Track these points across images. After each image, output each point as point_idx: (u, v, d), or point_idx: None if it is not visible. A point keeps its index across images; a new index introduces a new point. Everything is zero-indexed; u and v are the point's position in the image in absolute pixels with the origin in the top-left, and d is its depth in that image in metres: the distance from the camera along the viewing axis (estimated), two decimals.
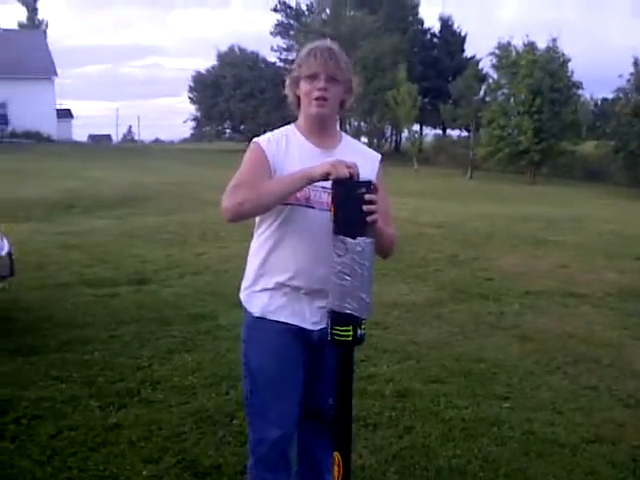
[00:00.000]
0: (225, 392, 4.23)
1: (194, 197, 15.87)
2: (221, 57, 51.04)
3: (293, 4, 53.09)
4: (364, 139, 44.25)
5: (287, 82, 2.44)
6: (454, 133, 50.98)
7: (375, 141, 47.14)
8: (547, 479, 3.37)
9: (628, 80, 35.83)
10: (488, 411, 4.12)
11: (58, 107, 44.50)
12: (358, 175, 2.12)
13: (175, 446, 3.52)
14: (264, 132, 2.54)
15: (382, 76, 42.37)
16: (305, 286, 2.36)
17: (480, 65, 44.53)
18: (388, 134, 52.55)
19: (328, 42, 2.43)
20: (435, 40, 53.41)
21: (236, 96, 48.01)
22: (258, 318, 2.42)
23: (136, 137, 69.03)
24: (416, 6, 52.94)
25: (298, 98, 2.42)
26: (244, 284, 2.51)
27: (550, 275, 8.52)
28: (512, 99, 36.55)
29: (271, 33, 53.27)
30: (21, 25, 58.88)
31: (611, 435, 3.85)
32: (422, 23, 53.53)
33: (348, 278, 2.07)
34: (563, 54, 35.61)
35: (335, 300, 2.11)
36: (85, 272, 7.78)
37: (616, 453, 3.65)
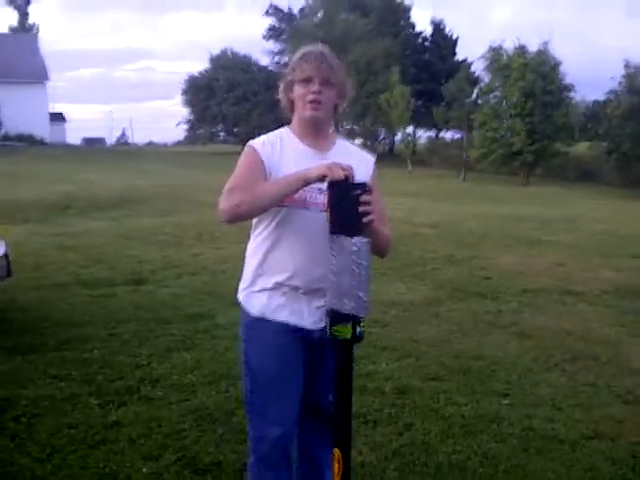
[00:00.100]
0: (225, 390, 4.22)
1: (189, 199, 15.85)
2: (214, 60, 51.00)
3: (285, 8, 53.28)
4: (357, 141, 44.28)
5: (280, 86, 2.45)
6: (447, 135, 51.07)
7: (369, 143, 47.16)
8: (546, 475, 3.37)
9: (620, 82, 36.00)
10: (487, 408, 4.13)
11: (51, 110, 44.44)
12: (353, 177, 2.13)
13: (175, 443, 3.52)
14: (258, 135, 2.54)
15: (375, 79, 42.43)
16: (303, 286, 2.36)
17: (472, 68, 44.68)
18: (382, 136, 52.56)
19: (321, 46, 2.45)
20: (427, 44, 53.49)
21: (229, 99, 47.97)
22: (257, 318, 2.42)
23: (129, 140, 68.84)
24: (408, 10, 53.02)
25: (292, 102, 2.42)
26: (242, 285, 2.51)
27: (547, 273, 8.55)
28: (504, 102, 36.63)
29: (263, 37, 53.45)
30: (12, 29, 58.77)
31: (610, 431, 3.86)
32: (414, 27, 53.62)
33: (346, 277, 2.08)
34: (554, 57, 35.74)
35: (333, 299, 2.12)
36: (82, 273, 7.77)
37: (615, 449, 3.65)
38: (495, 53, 37.18)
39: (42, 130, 39.52)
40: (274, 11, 53.07)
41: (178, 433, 3.64)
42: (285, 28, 52.49)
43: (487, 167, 37.51)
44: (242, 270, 2.51)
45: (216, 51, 51.53)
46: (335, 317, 2.13)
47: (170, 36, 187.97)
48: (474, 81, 42.21)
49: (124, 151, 43.72)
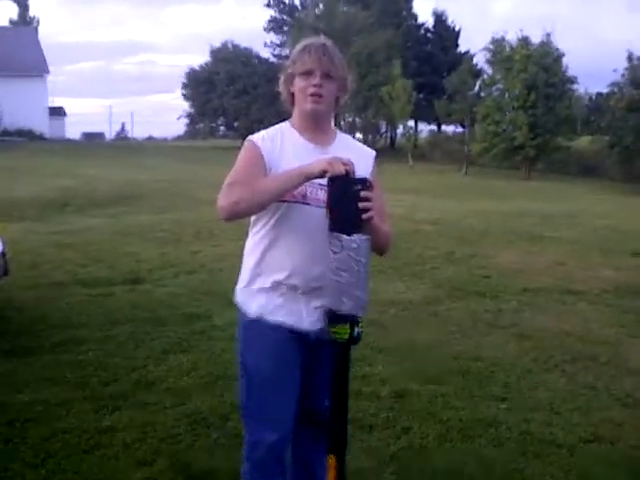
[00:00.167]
0: (220, 394, 4.19)
1: (188, 195, 15.83)
2: (214, 53, 50.88)
3: (286, 0, 53.10)
4: (358, 135, 44.22)
5: (281, 79, 2.43)
6: (449, 129, 50.99)
7: (370, 137, 47.09)
8: (544, 479, 3.35)
9: (622, 75, 35.85)
10: (485, 412, 4.10)
11: (51, 105, 44.37)
12: (354, 172, 2.11)
13: (169, 448, 3.50)
14: (258, 129, 2.53)
15: (376, 72, 42.29)
16: (302, 285, 2.34)
17: (474, 60, 44.55)
18: (383, 130, 52.48)
19: (322, 39, 2.42)
20: (429, 35, 53.31)
21: (229, 92, 47.85)
22: (255, 318, 2.40)
23: (129, 134, 68.78)
24: (410, 0, 52.80)
25: (292, 95, 2.40)
26: (240, 284, 2.48)
27: (547, 272, 8.52)
28: (507, 94, 36.52)
29: (264, 29, 53.33)
30: (12, 22, 58.72)
31: (609, 435, 3.84)
32: (416, 18, 53.41)
33: (344, 275, 2.07)
34: (557, 49, 35.60)
35: (331, 298, 2.11)
36: (79, 271, 7.74)
37: (614, 453, 3.63)
38: (497, 45, 37.05)
39: (41, 125, 39.49)
40: (275, 3, 52.94)
41: (172, 438, 3.62)
42: (286, 20, 52.37)
43: (489, 161, 37.40)
44: (240, 268, 2.49)
45: (217, 44, 51.43)
46: (333, 318, 2.12)
47: (171, 29, 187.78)
48: (476, 73, 42.06)
49: (124, 146, 43.74)
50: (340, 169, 2.08)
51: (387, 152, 40.83)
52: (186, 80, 50.60)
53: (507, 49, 36.49)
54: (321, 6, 49.08)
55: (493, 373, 4.78)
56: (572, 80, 36.17)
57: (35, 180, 17.43)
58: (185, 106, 51.73)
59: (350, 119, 47.98)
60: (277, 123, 2.47)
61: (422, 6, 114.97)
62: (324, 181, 2.15)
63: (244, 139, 2.44)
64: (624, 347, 5.55)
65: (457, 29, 52.99)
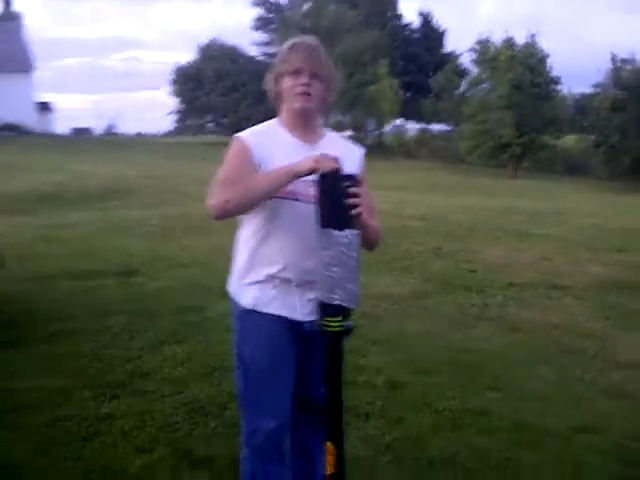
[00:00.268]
0: (218, 383, 4.23)
1: (177, 190, 15.76)
2: (202, 50, 50.69)
3: None
4: (346, 133, 44.16)
5: (268, 78, 2.44)
6: (437, 127, 50.96)
7: (357, 135, 47.04)
8: (537, 468, 3.41)
9: (606, 75, 36.05)
10: (477, 402, 4.15)
11: (38, 100, 44.00)
12: (342, 169, 2.15)
13: (167, 436, 3.53)
14: (246, 126, 2.53)
15: (363, 71, 42.27)
16: (295, 278, 2.37)
17: (460, 60, 44.67)
18: (370, 128, 52.43)
19: (309, 38, 2.45)
20: (415, 35, 53.37)
21: (217, 89, 47.70)
22: (249, 310, 2.42)
23: (118, 130, 68.28)
24: (396, 0, 52.82)
25: (279, 94, 2.42)
26: (233, 277, 2.51)
27: (533, 267, 8.57)
28: (492, 94, 36.64)
29: (252, 27, 53.10)
30: None
31: (600, 425, 3.91)
32: (401, 18, 53.45)
33: (336, 270, 2.09)
34: (542, 50, 35.78)
35: (323, 291, 2.13)
36: (70, 265, 7.71)
37: (605, 442, 3.70)
38: (483, 46, 37.18)
39: (29, 120, 39.10)
40: (262, 1, 52.75)
41: (171, 426, 3.65)
42: (273, 18, 52.20)
43: (476, 160, 37.51)
44: (231, 262, 2.51)
45: (204, 41, 51.26)
46: (325, 309, 2.14)
47: (158, 25, 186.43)
48: (462, 73, 42.17)
49: (113, 141, 43.40)
50: (329, 165, 2.12)
51: (374, 150, 40.80)
52: (174, 76, 50.39)
53: (492, 50, 36.63)
54: (308, 5, 48.93)
55: (483, 364, 4.85)
56: (556, 80, 36.37)
57: (31, 175, 17.30)
58: (173, 103, 51.56)
59: (337, 118, 47.89)
60: (265, 120, 2.48)
61: (407, 7, 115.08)
62: (314, 177, 2.18)
63: (233, 135, 2.45)
64: (611, 340, 5.63)
65: (442, 30, 53.16)
